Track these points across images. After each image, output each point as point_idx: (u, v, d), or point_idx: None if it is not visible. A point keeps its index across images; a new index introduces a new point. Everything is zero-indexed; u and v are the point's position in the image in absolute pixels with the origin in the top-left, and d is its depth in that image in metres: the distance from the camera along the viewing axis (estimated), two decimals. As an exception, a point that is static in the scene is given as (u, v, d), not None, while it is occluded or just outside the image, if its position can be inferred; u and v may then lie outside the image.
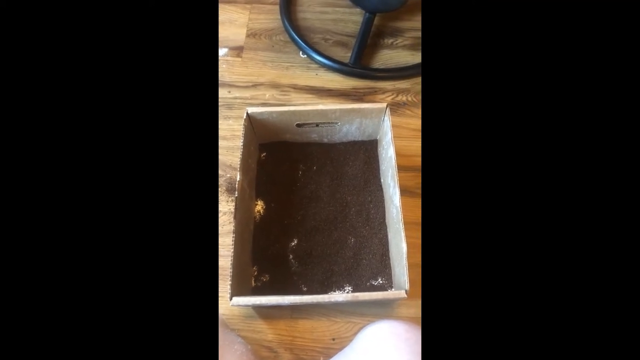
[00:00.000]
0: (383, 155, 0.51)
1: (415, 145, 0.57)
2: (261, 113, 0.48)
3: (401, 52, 0.66)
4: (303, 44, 0.64)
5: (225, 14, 0.69)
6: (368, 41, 0.64)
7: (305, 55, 0.65)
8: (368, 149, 0.55)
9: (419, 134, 0.58)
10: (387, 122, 0.48)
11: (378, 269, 0.47)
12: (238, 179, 0.45)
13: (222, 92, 0.62)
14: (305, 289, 0.47)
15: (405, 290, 0.39)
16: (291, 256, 0.48)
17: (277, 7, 0.69)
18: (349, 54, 0.63)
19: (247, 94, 0.62)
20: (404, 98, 0.61)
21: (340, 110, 0.49)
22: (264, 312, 0.47)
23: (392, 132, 0.47)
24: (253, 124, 0.51)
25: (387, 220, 0.49)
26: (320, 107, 0.48)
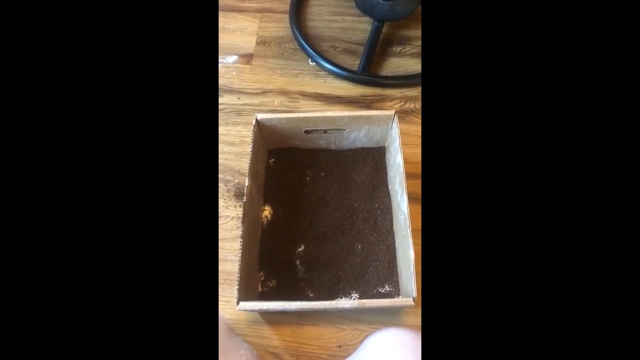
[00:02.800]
0: (391, 162, 0.51)
1: (423, 153, 0.57)
2: (270, 119, 0.49)
3: (409, 60, 0.66)
4: (312, 51, 0.65)
5: (235, 22, 0.71)
6: (376, 49, 0.65)
7: (314, 63, 0.65)
8: (376, 156, 0.55)
9: (427, 141, 0.58)
10: (395, 129, 0.48)
11: (385, 276, 0.47)
12: (246, 184, 0.45)
13: (232, 99, 0.63)
14: (311, 295, 0.47)
15: (413, 298, 0.38)
16: (298, 262, 0.48)
17: (286, 16, 0.70)
18: (358, 62, 0.64)
19: (256, 100, 0.62)
20: (412, 106, 0.61)
21: (349, 117, 0.49)
22: (270, 317, 0.47)
23: (400, 139, 0.47)
24: (262, 130, 0.51)
25: (394, 227, 0.49)
26: (329, 113, 0.49)
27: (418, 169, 0.55)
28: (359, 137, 0.53)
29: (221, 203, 0.54)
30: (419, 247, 0.44)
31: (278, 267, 0.48)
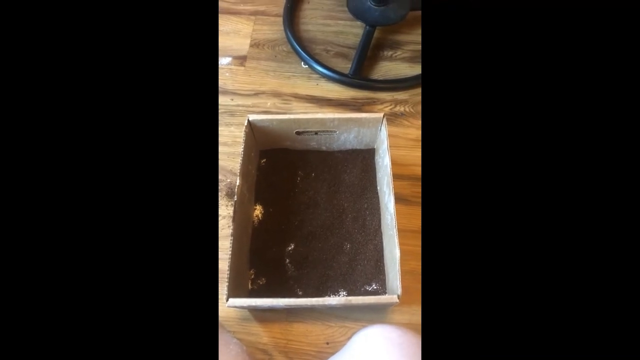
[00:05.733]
0: (379, 163, 0.52)
1: (412, 155, 0.58)
2: (262, 120, 0.50)
3: (400, 64, 0.67)
4: (305, 54, 0.66)
5: (230, 24, 0.71)
6: (368, 53, 0.66)
7: (307, 66, 0.66)
8: (365, 157, 0.56)
9: (417, 143, 0.59)
10: (384, 132, 0.50)
11: (372, 275, 0.48)
12: (237, 184, 0.46)
13: (225, 100, 0.63)
14: (300, 293, 0.48)
15: (398, 295, 0.40)
16: (288, 260, 0.49)
17: (280, 19, 0.71)
18: (349, 65, 0.65)
19: (249, 102, 0.63)
20: (402, 109, 0.63)
21: (339, 119, 0.50)
22: (259, 315, 0.48)
23: (388, 141, 0.48)
24: (254, 131, 0.52)
25: (382, 227, 0.50)
26: (319, 115, 0.50)
27: (407, 170, 0.57)
28: (349, 139, 0.54)
29: (213, 202, 0.55)
30: (406, 247, 0.45)
31: (268, 266, 0.49)
